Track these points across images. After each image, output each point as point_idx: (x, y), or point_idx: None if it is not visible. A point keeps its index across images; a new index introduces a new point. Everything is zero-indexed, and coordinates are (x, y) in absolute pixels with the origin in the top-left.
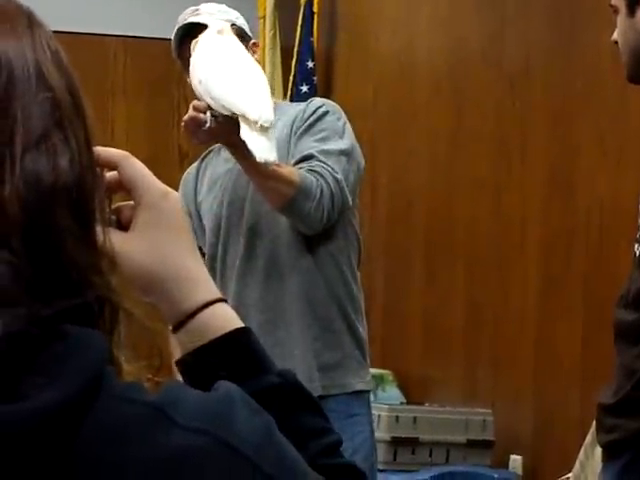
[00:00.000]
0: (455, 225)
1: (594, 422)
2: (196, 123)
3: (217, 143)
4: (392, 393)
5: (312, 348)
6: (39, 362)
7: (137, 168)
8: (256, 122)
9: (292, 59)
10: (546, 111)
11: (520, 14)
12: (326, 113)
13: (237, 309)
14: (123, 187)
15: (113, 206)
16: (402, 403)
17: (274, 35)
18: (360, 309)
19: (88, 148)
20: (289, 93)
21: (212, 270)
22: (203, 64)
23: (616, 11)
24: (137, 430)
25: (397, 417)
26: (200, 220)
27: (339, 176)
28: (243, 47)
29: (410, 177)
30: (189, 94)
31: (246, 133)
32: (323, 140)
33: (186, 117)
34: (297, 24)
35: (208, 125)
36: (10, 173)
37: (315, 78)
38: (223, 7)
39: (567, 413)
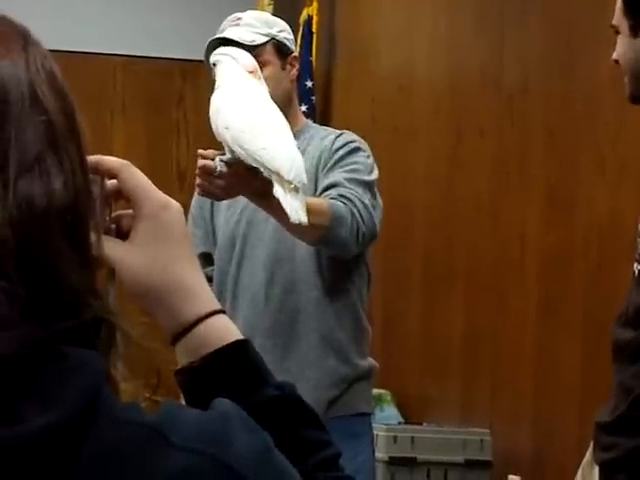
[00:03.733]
0: (454, 244)
1: (592, 442)
2: (206, 171)
3: (239, 195)
4: (390, 413)
5: (326, 380)
6: (35, 385)
7: (137, 177)
8: (290, 182)
9: (298, 79)
10: (545, 131)
11: (519, 34)
12: (357, 149)
13: (246, 332)
14: (123, 196)
15: (113, 214)
16: (400, 423)
17: None
18: (369, 340)
19: (83, 170)
20: None
21: (222, 285)
22: (233, 110)
23: (617, 31)
24: (134, 452)
25: (395, 437)
26: (213, 228)
27: (366, 201)
28: (268, 95)
29: (409, 197)
30: (188, 112)
31: (280, 193)
32: (352, 171)
33: (197, 171)
34: (296, 43)
35: (219, 170)
36: (3, 197)
37: (314, 98)
38: (266, 17)
39: (566, 433)
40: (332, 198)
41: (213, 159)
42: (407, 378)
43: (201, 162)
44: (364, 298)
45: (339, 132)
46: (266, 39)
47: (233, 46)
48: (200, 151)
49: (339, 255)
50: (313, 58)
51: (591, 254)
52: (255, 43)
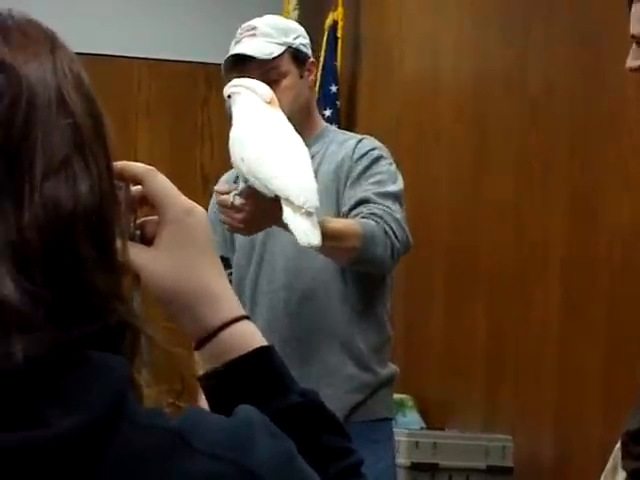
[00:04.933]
0: (477, 249)
1: (615, 448)
2: (224, 205)
3: (263, 227)
4: (412, 418)
5: (346, 387)
6: (60, 388)
7: (162, 183)
8: (301, 207)
9: (316, 83)
10: (569, 136)
11: (544, 39)
12: (380, 157)
13: (266, 339)
14: (147, 202)
15: (137, 221)
16: (422, 428)
17: None
18: (391, 347)
19: (109, 173)
20: None
21: (240, 290)
22: (247, 142)
23: (639, 43)
24: (157, 457)
25: (417, 442)
26: (231, 233)
27: (398, 216)
28: (288, 124)
29: (433, 201)
30: (212, 116)
31: (289, 216)
32: (379, 183)
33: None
34: (321, 48)
35: (231, 202)
36: (29, 200)
37: (338, 102)
38: (281, 23)
39: (588, 440)
40: (363, 217)
41: (229, 192)
42: (429, 383)
43: (218, 198)
44: (387, 304)
45: (359, 137)
46: (283, 49)
47: (250, 60)
48: (216, 187)
49: (374, 272)
50: (338, 63)
51: (614, 259)
52: (273, 55)
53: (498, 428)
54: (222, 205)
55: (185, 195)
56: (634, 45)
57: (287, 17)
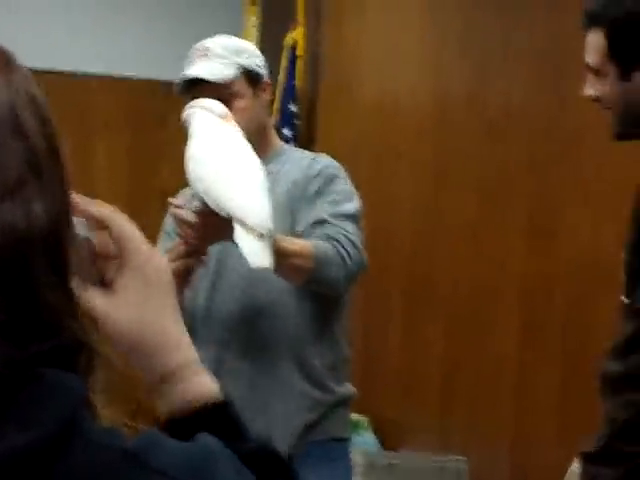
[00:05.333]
0: (435, 271)
1: (569, 470)
2: (179, 219)
3: (216, 242)
4: (367, 439)
5: (299, 404)
6: (14, 405)
7: (125, 227)
8: (254, 229)
9: (274, 102)
10: (528, 158)
11: (503, 60)
12: (335, 176)
13: (218, 355)
14: (104, 251)
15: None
16: (377, 449)
17: None
18: (349, 366)
19: (64, 194)
20: None
21: (195, 304)
22: (202, 161)
23: (597, 72)
24: (111, 476)
25: (372, 463)
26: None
27: (353, 237)
28: (243, 140)
29: (393, 222)
30: (171, 133)
31: (240, 237)
32: (334, 203)
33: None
34: (280, 68)
35: (186, 218)
36: None
37: (298, 122)
38: (234, 44)
39: (543, 461)
40: (318, 238)
41: (184, 206)
42: (385, 404)
43: (173, 211)
44: (343, 323)
45: (314, 155)
46: (236, 70)
47: (203, 82)
48: (171, 200)
49: (329, 293)
50: (297, 82)
51: (572, 283)
52: (226, 77)
53: (453, 449)
54: (177, 218)
55: (143, 212)
56: (590, 74)
57: (247, 35)
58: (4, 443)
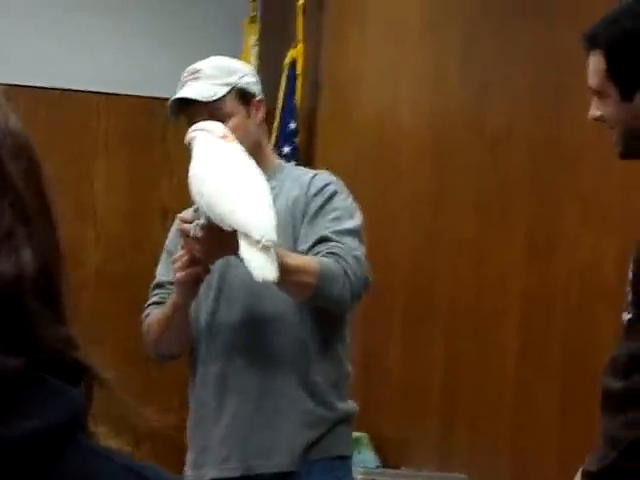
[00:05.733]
0: (435, 287)
1: None
2: (185, 234)
3: (220, 257)
4: (367, 456)
5: (303, 421)
6: (16, 402)
7: None
8: (258, 242)
9: (274, 120)
10: (528, 176)
11: (503, 80)
12: (335, 193)
13: (223, 372)
14: None
15: None
16: (377, 466)
17: None
18: (349, 383)
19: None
20: None
21: (198, 322)
22: (204, 177)
23: (599, 94)
24: None
25: None
26: None
27: (358, 253)
28: (245, 155)
29: (392, 239)
30: (171, 151)
31: (245, 250)
32: (336, 220)
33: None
34: (280, 85)
35: (192, 233)
36: None
37: (297, 140)
38: (226, 64)
39: (544, 478)
40: (323, 256)
41: (192, 221)
42: (385, 421)
43: (180, 226)
44: (346, 339)
45: (313, 172)
46: (227, 89)
47: (195, 103)
48: (179, 215)
49: (334, 311)
50: (297, 100)
51: (571, 299)
52: (216, 97)
53: (454, 466)
54: (183, 233)
55: (144, 230)
56: (594, 96)
57: (247, 54)
58: (11, 430)
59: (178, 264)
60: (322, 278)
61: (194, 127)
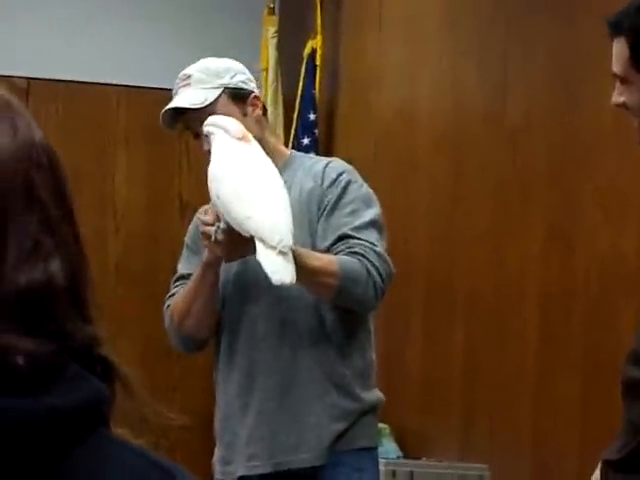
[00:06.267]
0: (455, 279)
1: (592, 477)
2: (205, 237)
3: (243, 257)
4: (389, 447)
5: (329, 415)
6: (49, 384)
7: None
8: (274, 247)
9: (294, 111)
10: (546, 168)
11: (522, 71)
12: (349, 182)
13: (247, 369)
14: None
15: None
16: (399, 457)
17: (276, 88)
18: (374, 371)
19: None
20: (290, 145)
21: (222, 323)
22: (221, 180)
23: (623, 81)
24: (140, 476)
25: (394, 471)
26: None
27: (378, 248)
28: (264, 157)
29: (411, 231)
30: (191, 144)
31: (262, 254)
32: (354, 214)
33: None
34: (299, 76)
35: (213, 238)
36: (3, 288)
37: (317, 130)
38: (215, 66)
39: (565, 468)
40: (344, 255)
41: (213, 224)
42: (406, 412)
43: (201, 228)
44: (369, 329)
45: (325, 161)
46: (218, 92)
47: (188, 110)
48: (201, 217)
49: (359, 311)
50: (316, 91)
51: (591, 289)
52: (207, 102)
53: (475, 457)
54: (204, 236)
55: (163, 223)
56: (617, 82)
57: (265, 46)
58: (39, 403)
59: (208, 217)
60: (344, 279)
61: (214, 120)
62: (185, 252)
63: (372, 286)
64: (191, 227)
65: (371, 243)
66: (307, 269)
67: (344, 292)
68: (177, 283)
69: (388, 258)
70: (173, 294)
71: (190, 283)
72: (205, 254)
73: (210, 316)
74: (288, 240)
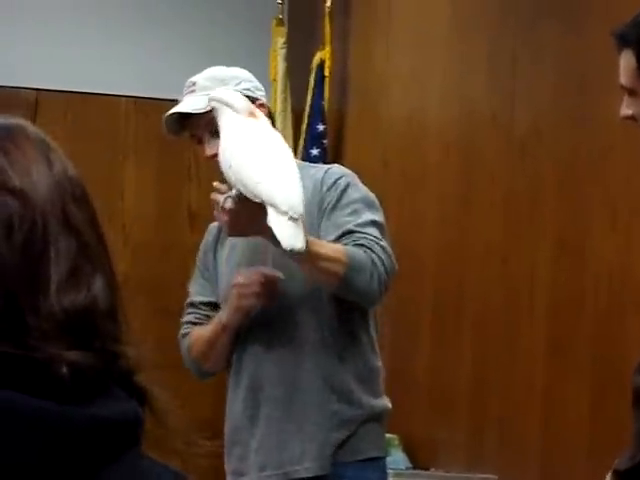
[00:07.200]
0: (463, 288)
1: None
2: (215, 204)
3: (248, 232)
4: (398, 458)
5: (331, 424)
6: (94, 394)
7: None
8: (285, 213)
9: (303, 122)
10: (556, 178)
11: (531, 81)
12: (348, 185)
13: (254, 380)
14: None
15: None
16: (407, 468)
17: (285, 98)
18: (380, 378)
19: (111, 269)
20: (299, 156)
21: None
22: (234, 149)
23: (630, 93)
24: None
25: None
26: (216, 275)
27: (383, 243)
28: (273, 131)
29: (420, 240)
30: (199, 155)
31: (273, 220)
32: (354, 214)
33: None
34: (308, 87)
35: (222, 204)
36: (48, 310)
37: (325, 141)
38: (219, 74)
39: (574, 479)
40: (352, 246)
41: (225, 193)
42: (415, 422)
43: (212, 196)
44: (372, 334)
45: (325, 168)
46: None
47: (192, 115)
48: (215, 184)
49: (363, 303)
50: (325, 101)
51: (600, 300)
52: (209, 108)
53: (484, 468)
54: (215, 202)
55: (173, 234)
56: (625, 94)
57: (274, 56)
58: (86, 411)
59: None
60: (350, 267)
61: (216, 95)
62: (196, 272)
63: (377, 278)
64: (201, 246)
65: (376, 237)
66: (315, 254)
67: (349, 281)
68: (189, 310)
69: (392, 254)
70: (188, 322)
71: (207, 333)
72: (224, 315)
73: (227, 357)
74: (299, 208)
